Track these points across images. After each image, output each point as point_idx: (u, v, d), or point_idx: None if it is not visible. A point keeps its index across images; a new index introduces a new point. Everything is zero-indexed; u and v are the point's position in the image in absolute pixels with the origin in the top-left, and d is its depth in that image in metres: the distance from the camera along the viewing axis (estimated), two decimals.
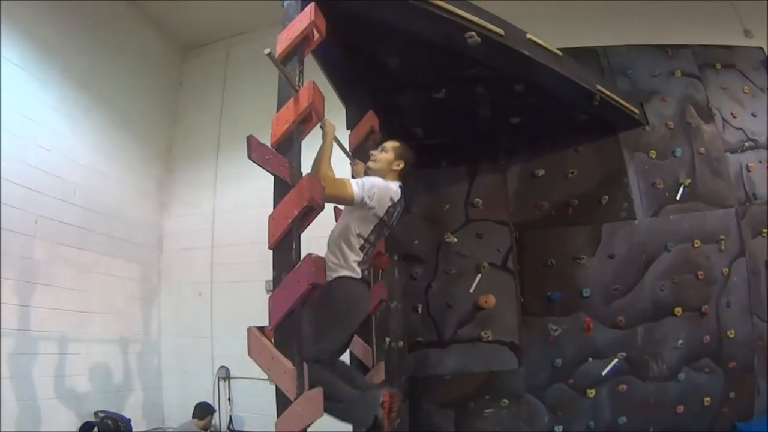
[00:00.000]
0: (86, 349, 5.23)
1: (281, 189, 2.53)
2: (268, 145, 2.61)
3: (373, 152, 3.27)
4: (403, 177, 3.21)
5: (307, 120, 2.65)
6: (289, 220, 2.44)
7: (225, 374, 5.77)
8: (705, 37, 5.54)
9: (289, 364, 2.31)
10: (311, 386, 2.35)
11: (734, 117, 5.07)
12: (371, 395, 2.71)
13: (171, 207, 6.79)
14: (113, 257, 5.75)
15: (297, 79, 2.69)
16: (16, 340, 4.49)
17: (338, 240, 2.93)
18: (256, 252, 5.06)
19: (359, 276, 2.92)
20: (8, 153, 4.62)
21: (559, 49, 4.27)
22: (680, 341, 4.44)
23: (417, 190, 5.01)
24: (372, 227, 2.95)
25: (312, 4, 2.78)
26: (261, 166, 2.58)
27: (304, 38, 2.79)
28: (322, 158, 2.79)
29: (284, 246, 2.47)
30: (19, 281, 4.63)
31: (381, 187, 2.93)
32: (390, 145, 3.24)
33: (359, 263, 2.92)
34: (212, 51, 7.38)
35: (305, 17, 2.76)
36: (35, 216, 4.85)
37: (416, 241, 4.98)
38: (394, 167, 3.17)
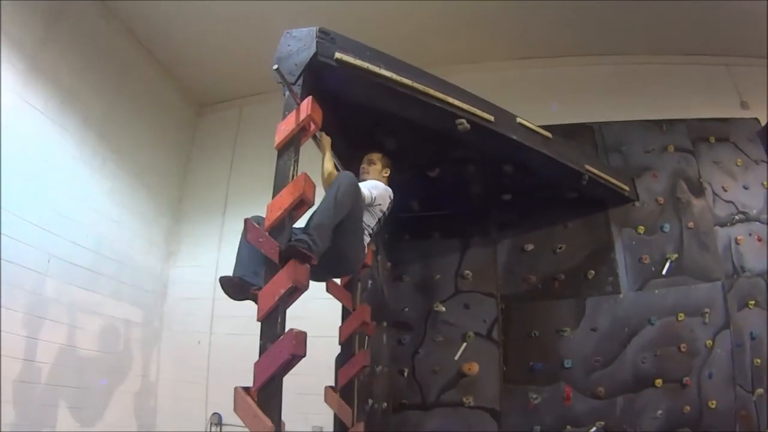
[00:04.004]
0: (86, 384, 5.50)
1: (271, 269, 2.87)
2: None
3: (363, 166, 3.92)
4: (389, 181, 3.91)
5: (298, 207, 2.99)
6: (276, 298, 2.78)
7: (217, 420, 6.04)
8: (703, 109, 5.84)
9: (268, 421, 2.61)
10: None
11: (725, 190, 5.31)
12: None
13: (177, 257, 7.16)
14: (119, 300, 6.09)
15: (292, 168, 3.05)
16: (21, 369, 4.75)
17: None
18: (253, 309, 5.39)
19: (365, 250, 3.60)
20: (27, 192, 4.97)
21: (556, 125, 4.63)
22: (660, 411, 4.60)
23: (410, 260, 5.43)
24: (376, 219, 3.65)
25: (309, 98, 3.14)
26: (255, 247, 2.94)
27: (301, 129, 3.15)
28: (330, 173, 3.54)
29: (271, 320, 2.81)
30: (28, 314, 4.91)
31: (383, 188, 3.68)
32: (376, 156, 3.95)
33: None
34: (226, 109, 7.84)
35: (303, 110, 3.12)
36: (48, 255, 5.17)
37: (406, 309, 5.31)
38: (384, 174, 3.92)
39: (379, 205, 3.63)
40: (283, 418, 4.47)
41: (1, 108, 4.73)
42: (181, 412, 6.32)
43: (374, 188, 3.59)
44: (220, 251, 6.84)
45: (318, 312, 4.51)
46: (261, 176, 5.98)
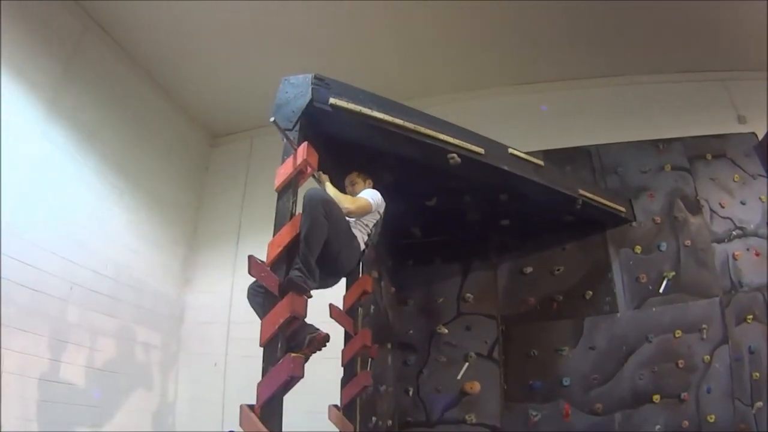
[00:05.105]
0: (108, 404, 5.90)
1: (272, 300, 3.25)
2: None
3: (347, 188, 4.24)
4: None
5: (296, 244, 3.37)
6: (276, 326, 3.16)
7: None
8: (700, 126, 6.04)
9: None
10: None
11: (722, 207, 5.54)
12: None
13: (193, 284, 7.58)
14: (138, 325, 6.51)
15: (290, 209, 3.44)
16: (44, 389, 5.13)
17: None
18: None
19: (361, 246, 3.93)
20: (49, 224, 5.41)
21: (554, 150, 4.93)
22: (658, 426, 4.83)
23: (414, 285, 5.79)
24: (374, 221, 4.02)
25: (305, 144, 3.52)
26: (260, 284, 3.34)
27: (299, 173, 3.54)
28: (340, 200, 3.75)
29: (272, 345, 3.19)
30: (52, 339, 5.32)
31: (379, 196, 4.01)
32: (355, 175, 4.30)
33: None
34: (238, 140, 8.30)
35: (300, 155, 3.50)
36: (71, 283, 5.59)
37: (411, 331, 5.69)
38: (368, 186, 4.21)
39: (379, 210, 4.01)
40: None
41: None
42: (199, 430, 6.64)
43: (374, 195, 3.97)
44: (234, 277, 7.21)
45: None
46: (272, 205, 6.37)
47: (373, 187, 4.21)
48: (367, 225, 3.97)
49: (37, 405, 5.05)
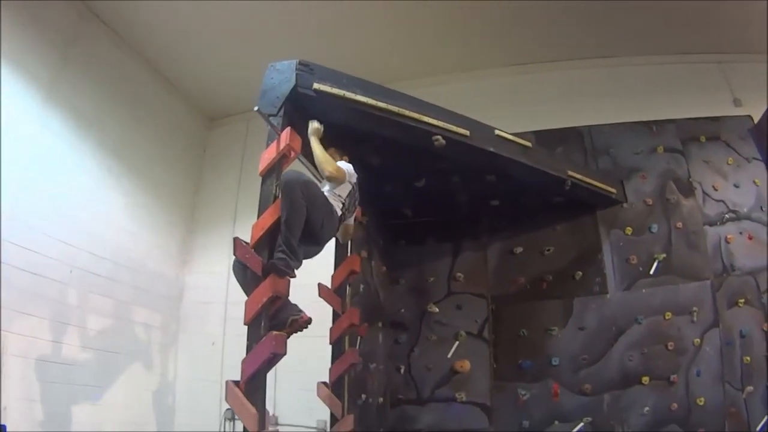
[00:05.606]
0: (108, 384, 6.08)
1: (255, 280, 3.39)
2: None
3: None
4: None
5: (277, 227, 3.50)
6: (259, 305, 3.30)
7: (231, 416, 6.45)
8: (696, 108, 6.06)
9: (253, 409, 3.10)
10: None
11: (716, 190, 5.58)
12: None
13: (191, 264, 7.75)
14: (138, 306, 6.70)
15: (274, 192, 3.57)
16: (48, 370, 5.31)
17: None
18: None
19: (338, 213, 3.96)
20: (48, 210, 5.56)
21: (545, 130, 4.98)
22: (647, 408, 4.92)
23: (405, 264, 5.89)
24: (347, 192, 4.03)
25: (288, 129, 3.65)
26: (243, 262, 3.46)
27: (282, 157, 3.67)
28: (322, 157, 3.84)
29: (255, 324, 3.33)
30: (52, 321, 5.49)
31: (351, 167, 4.10)
32: (332, 150, 4.24)
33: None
34: (234, 122, 8.39)
35: (283, 139, 3.64)
36: (70, 267, 5.74)
37: (402, 310, 5.80)
38: (343, 161, 4.20)
39: (351, 180, 4.08)
40: (290, 412, 5.02)
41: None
42: (198, 408, 6.85)
43: (348, 166, 4.06)
44: (231, 258, 7.23)
45: (320, 314, 4.93)
46: None
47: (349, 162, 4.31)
48: (340, 195, 4.04)
49: (38, 385, 5.21)
